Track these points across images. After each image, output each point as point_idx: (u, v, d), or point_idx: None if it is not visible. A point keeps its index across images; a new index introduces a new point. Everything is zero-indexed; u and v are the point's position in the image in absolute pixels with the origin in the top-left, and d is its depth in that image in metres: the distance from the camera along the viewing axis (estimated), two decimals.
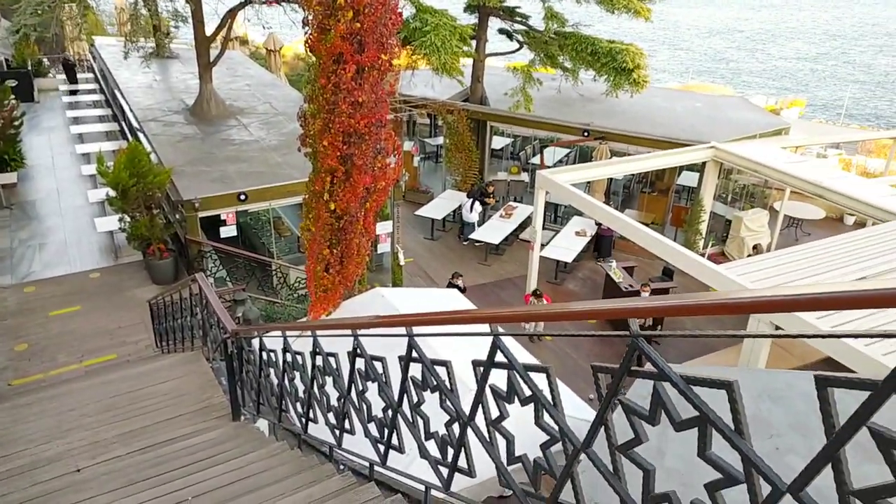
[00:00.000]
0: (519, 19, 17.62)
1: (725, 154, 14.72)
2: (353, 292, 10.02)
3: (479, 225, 17.12)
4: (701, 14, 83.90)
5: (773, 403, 7.05)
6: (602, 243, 16.61)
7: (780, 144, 15.72)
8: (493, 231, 16.63)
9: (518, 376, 2.23)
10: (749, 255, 16.18)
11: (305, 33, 7.71)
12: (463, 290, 13.27)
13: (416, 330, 3.05)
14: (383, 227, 14.63)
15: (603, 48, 16.05)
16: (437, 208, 17.96)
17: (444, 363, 2.83)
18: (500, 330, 2.35)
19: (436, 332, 2.81)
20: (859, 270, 9.70)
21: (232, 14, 15.09)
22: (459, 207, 17.93)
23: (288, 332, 4.63)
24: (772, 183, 16.14)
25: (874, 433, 1.27)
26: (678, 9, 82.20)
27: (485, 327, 2.44)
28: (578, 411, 8.19)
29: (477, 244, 16.92)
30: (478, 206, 17.21)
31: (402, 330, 3.05)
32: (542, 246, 15.23)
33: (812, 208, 17.54)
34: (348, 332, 3.59)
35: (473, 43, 17.84)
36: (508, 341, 2.50)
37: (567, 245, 15.78)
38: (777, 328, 8.99)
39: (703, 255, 15.54)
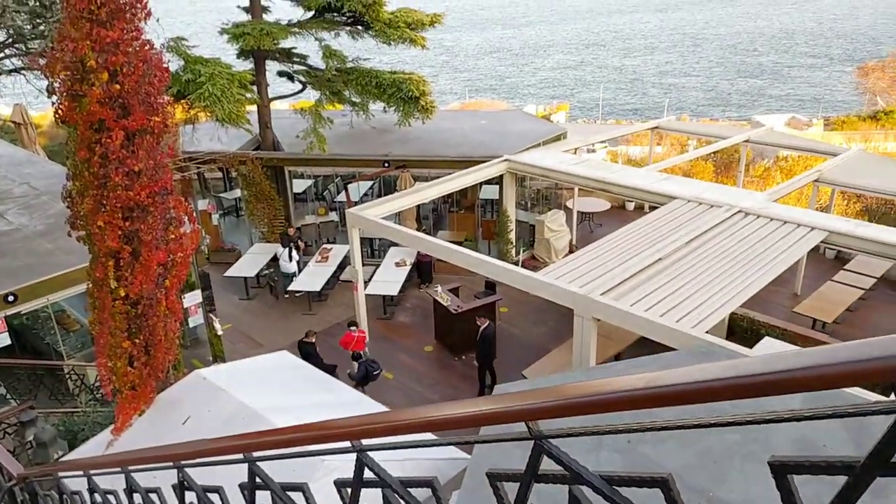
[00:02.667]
0: (297, 60, 17.25)
1: (517, 164, 15.55)
2: (169, 381, 8.88)
3: (298, 273, 16.38)
4: (471, 37, 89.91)
5: None
6: (422, 269, 16.70)
7: (560, 148, 16.99)
8: (312, 277, 15.97)
9: (396, 496, 1.83)
10: (558, 254, 17.25)
11: (53, 103, 6.66)
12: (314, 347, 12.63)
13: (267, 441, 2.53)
14: (191, 298, 13.35)
15: (387, 80, 16.23)
16: (247, 265, 16.86)
17: (301, 487, 2.35)
18: (364, 444, 1.93)
19: (281, 453, 2.32)
20: (655, 253, 10.63)
21: None
22: (275, 259, 17.01)
23: (94, 471, 3.79)
24: (561, 184, 17.39)
25: None
26: (449, 34, 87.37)
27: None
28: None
29: (298, 294, 16.14)
30: (295, 255, 16.45)
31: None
32: (366, 283, 14.91)
33: (598, 201, 19.19)
34: (170, 464, 2.94)
35: (255, 89, 17.12)
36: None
37: (389, 278, 15.61)
38: (598, 320, 9.54)
39: (517, 262, 16.27)
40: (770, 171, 24.84)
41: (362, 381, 11.99)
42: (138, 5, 6.54)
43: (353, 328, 13.11)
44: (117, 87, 6.63)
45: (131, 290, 7.71)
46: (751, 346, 12.11)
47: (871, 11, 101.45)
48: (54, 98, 6.60)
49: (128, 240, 7.48)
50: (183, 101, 14.65)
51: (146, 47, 6.74)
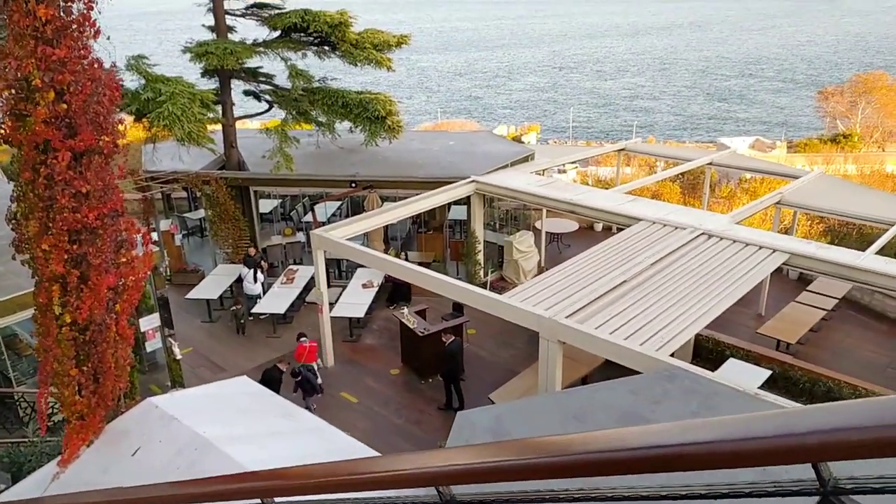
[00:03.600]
0: (263, 79, 17.08)
1: (485, 186, 15.52)
2: (120, 409, 8.52)
3: (263, 295, 16.05)
4: (446, 58, 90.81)
5: (580, 422, 7.24)
6: (399, 290, 16.38)
7: (528, 170, 17.03)
8: (277, 299, 15.66)
9: None
10: (527, 275, 17.20)
11: None
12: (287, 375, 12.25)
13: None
14: (149, 322, 12.97)
15: (353, 100, 16.12)
16: (211, 287, 16.47)
17: None
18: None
19: None
20: (620, 275, 10.61)
21: None
22: (239, 280, 16.66)
23: None
24: (530, 205, 17.40)
25: None
26: (424, 55, 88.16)
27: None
28: None
29: (262, 317, 15.80)
30: (261, 276, 16.12)
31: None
32: (331, 306, 14.65)
33: (567, 222, 19.24)
34: None
35: (220, 108, 16.88)
36: None
37: (356, 300, 15.38)
38: (563, 343, 9.45)
39: (485, 283, 16.18)
40: (734, 192, 25.27)
41: (309, 391, 11.75)
42: (86, 23, 6.34)
43: (303, 339, 13.02)
44: (64, 106, 6.39)
45: (79, 315, 7.40)
46: (715, 368, 12.15)
47: (833, 38, 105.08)
48: None
49: (76, 264, 7.19)
50: (143, 119, 14.35)
51: (95, 65, 6.52)
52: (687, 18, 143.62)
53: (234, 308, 15.41)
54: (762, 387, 11.44)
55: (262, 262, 16.85)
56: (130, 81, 14.73)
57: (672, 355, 8.72)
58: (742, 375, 11.40)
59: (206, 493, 1.94)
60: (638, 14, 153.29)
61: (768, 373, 11.71)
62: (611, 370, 11.28)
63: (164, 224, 18.40)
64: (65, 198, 6.72)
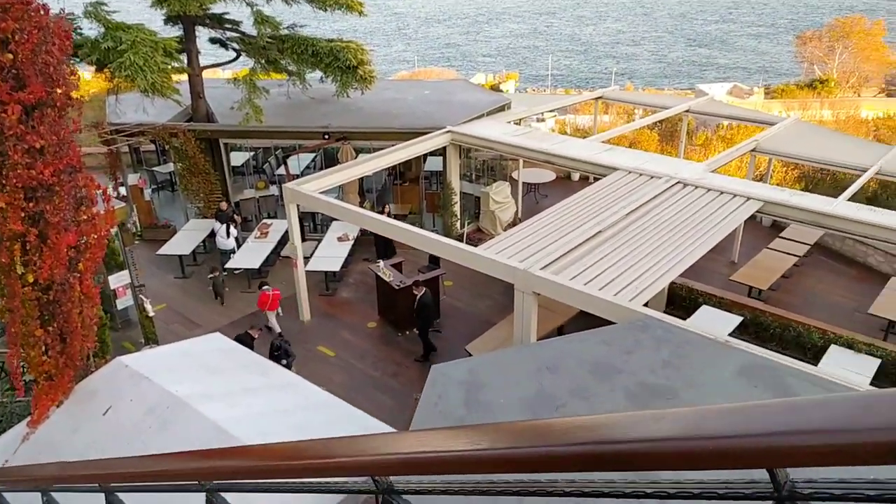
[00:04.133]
0: (229, 26, 16.41)
1: (461, 136, 15.26)
2: (90, 369, 8.41)
3: (237, 249, 15.82)
4: (422, 3, 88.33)
5: (553, 374, 7.29)
6: (382, 243, 15.84)
7: (505, 119, 16.75)
8: (251, 254, 15.46)
9: None
10: (504, 226, 17.13)
11: None
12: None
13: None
14: (119, 279, 12.75)
15: (323, 48, 15.59)
16: (183, 242, 16.19)
17: None
18: (217, 483, 1.67)
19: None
20: (596, 225, 10.57)
21: None
22: (212, 235, 16.36)
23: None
24: (506, 155, 17.19)
25: None
26: (397, 0, 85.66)
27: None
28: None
29: (237, 272, 15.61)
30: (234, 231, 15.83)
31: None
32: (306, 260, 14.50)
33: (544, 172, 19.10)
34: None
35: (185, 57, 16.23)
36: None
37: (331, 253, 15.23)
38: (538, 294, 9.45)
39: (462, 234, 16.09)
40: (711, 140, 25.22)
41: (288, 350, 11.70)
42: None
43: (266, 287, 13.09)
44: (9, 56, 6.04)
45: (40, 275, 7.20)
46: (689, 315, 12.31)
47: None
48: None
49: (33, 222, 6.94)
50: (105, 70, 13.75)
51: (41, 12, 6.14)
52: None
53: (211, 276, 14.69)
54: (733, 333, 11.64)
55: (235, 217, 16.54)
56: (89, 29, 14.06)
57: (646, 305, 8.76)
58: (714, 322, 11.57)
59: (148, 474, 1.84)
60: None
61: (739, 319, 11.89)
62: (587, 319, 11.35)
63: (133, 178, 17.92)
64: (17, 154, 6.43)
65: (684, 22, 77.91)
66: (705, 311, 12.17)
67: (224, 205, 16.36)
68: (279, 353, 11.53)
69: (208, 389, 7.80)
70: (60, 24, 6.45)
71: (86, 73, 19.99)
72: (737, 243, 15.42)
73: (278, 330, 13.01)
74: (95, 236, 7.59)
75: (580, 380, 6.99)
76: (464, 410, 6.61)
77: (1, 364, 10.93)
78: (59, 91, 6.58)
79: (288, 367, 11.46)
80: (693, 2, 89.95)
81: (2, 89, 6.08)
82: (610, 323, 8.59)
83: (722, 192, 11.64)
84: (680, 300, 13.09)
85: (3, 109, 6.19)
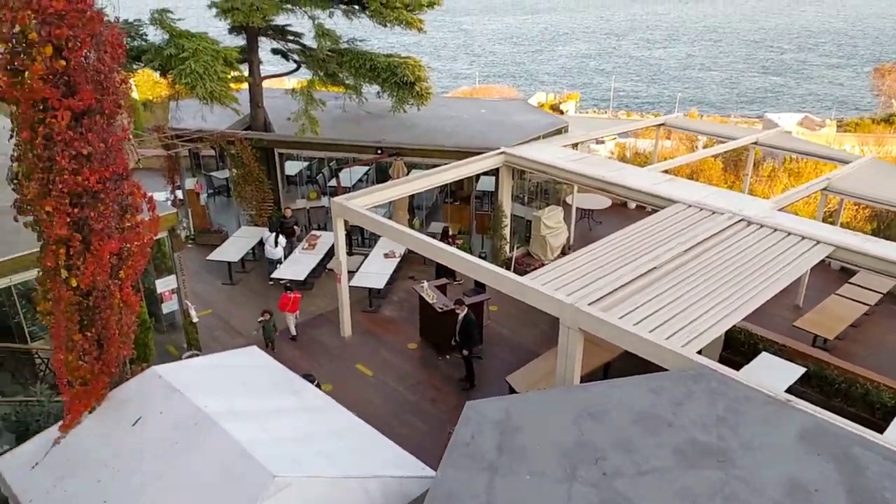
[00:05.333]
0: (291, 38, 16.57)
1: (515, 158, 14.92)
2: (125, 376, 8.38)
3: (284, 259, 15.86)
4: (489, 21, 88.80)
5: (594, 421, 6.81)
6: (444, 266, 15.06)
7: (561, 142, 16.32)
8: (297, 266, 15.43)
9: None
10: (554, 252, 16.66)
11: None
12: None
13: None
14: (166, 283, 12.87)
15: (381, 63, 15.55)
16: (232, 249, 16.32)
17: None
18: None
19: None
20: (651, 260, 10.04)
21: None
22: (261, 244, 16.49)
23: None
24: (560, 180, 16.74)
25: None
26: (465, 17, 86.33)
27: None
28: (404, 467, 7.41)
29: (282, 282, 15.60)
30: (282, 240, 15.90)
31: None
32: (351, 274, 14.38)
33: (599, 198, 18.53)
34: None
35: (246, 67, 16.47)
36: None
37: (377, 270, 15.06)
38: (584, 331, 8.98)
39: (510, 258, 15.72)
40: (778, 172, 24.14)
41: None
42: None
43: (288, 291, 13.77)
44: (62, 62, 6.05)
45: (82, 280, 7.19)
46: (747, 361, 11.58)
47: None
48: None
49: (77, 227, 6.94)
50: (167, 75, 14.03)
51: (96, 20, 6.13)
52: None
53: (261, 319, 13.23)
54: (795, 384, 10.87)
55: (295, 227, 16.74)
56: (154, 36, 14.41)
57: (700, 351, 8.19)
58: (774, 372, 10.82)
59: None
60: None
61: (802, 370, 11.09)
62: (636, 359, 10.80)
63: (190, 182, 18.25)
64: (65, 159, 6.43)
65: (759, 49, 75.71)
66: (765, 358, 11.41)
67: (288, 212, 16.54)
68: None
69: (238, 407, 7.63)
70: (114, 32, 6.45)
71: (156, 74, 20.59)
72: (803, 287, 14.53)
73: (294, 333, 13.82)
74: (138, 244, 7.56)
75: (624, 431, 6.50)
76: (496, 454, 6.23)
77: (45, 361, 11.12)
78: (108, 98, 6.56)
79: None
80: (770, 29, 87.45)
81: (53, 95, 6.09)
82: (660, 368, 8.06)
83: (790, 234, 10.93)
84: (738, 344, 12.35)
85: (52, 115, 6.20)
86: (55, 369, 7.66)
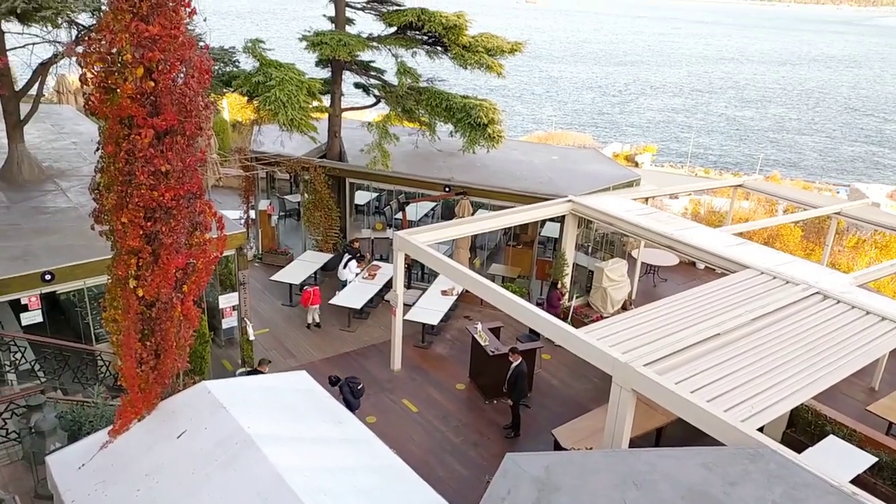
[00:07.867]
0: (374, 74, 17.09)
1: (582, 207, 14.73)
2: (177, 388, 8.59)
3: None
4: (576, 70, 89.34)
5: (639, 492, 6.46)
6: None
7: (631, 195, 16.02)
8: (355, 294, 15.60)
9: None
10: (614, 305, 16.24)
11: (84, 94, 6.49)
12: None
13: None
14: (228, 300, 13.24)
15: (457, 103, 15.80)
16: (296, 271, 16.69)
17: None
18: None
19: None
20: (714, 326, 9.61)
21: (44, 68, 13.33)
22: (324, 268, 16.89)
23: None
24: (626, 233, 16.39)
25: None
26: (553, 64, 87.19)
27: None
28: None
29: (340, 308, 15.80)
30: (353, 265, 16.18)
31: None
32: (407, 308, 14.42)
33: (666, 255, 18.00)
34: None
35: (328, 97, 17.06)
36: None
37: (433, 306, 15.04)
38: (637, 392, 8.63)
39: (568, 307, 15.40)
40: (863, 244, 22.90)
41: (350, 401, 11.28)
42: (182, 2, 6.29)
43: (308, 287, 15.02)
44: (151, 84, 6.39)
45: (147, 291, 7.46)
46: (812, 443, 10.84)
47: None
48: (86, 88, 6.42)
49: (149, 240, 7.23)
50: (253, 101, 14.69)
51: (186, 46, 6.47)
52: (842, 51, 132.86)
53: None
54: (866, 473, 10.08)
55: (365, 255, 17.14)
56: (245, 63, 15.15)
57: (761, 429, 7.71)
58: (841, 459, 10.09)
59: None
60: (785, 42, 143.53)
61: (873, 459, 10.28)
62: (691, 428, 10.29)
63: (263, 203, 18.87)
64: (144, 175, 6.73)
65: (857, 116, 72.84)
66: (832, 442, 10.66)
67: (357, 243, 16.88)
68: (340, 388, 11.26)
69: (279, 431, 7.68)
70: (202, 59, 6.77)
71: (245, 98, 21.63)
72: (880, 369, 13.59)
73: (318, 321, 15.29)
74: (203, 261, 7.80)
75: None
76: None
77: (107, 363, 11.55)
78: (191, 121, 6.87)
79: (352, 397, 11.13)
80: (870, 96, 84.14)
81: (139, 113, 6.42)
82: (716, 442, 7.62)
83: (868, 313, 10.26)
84: (804, 423, 11.58)
85: (137, 132, 6.54)
86: (125, 376, 7.88)
